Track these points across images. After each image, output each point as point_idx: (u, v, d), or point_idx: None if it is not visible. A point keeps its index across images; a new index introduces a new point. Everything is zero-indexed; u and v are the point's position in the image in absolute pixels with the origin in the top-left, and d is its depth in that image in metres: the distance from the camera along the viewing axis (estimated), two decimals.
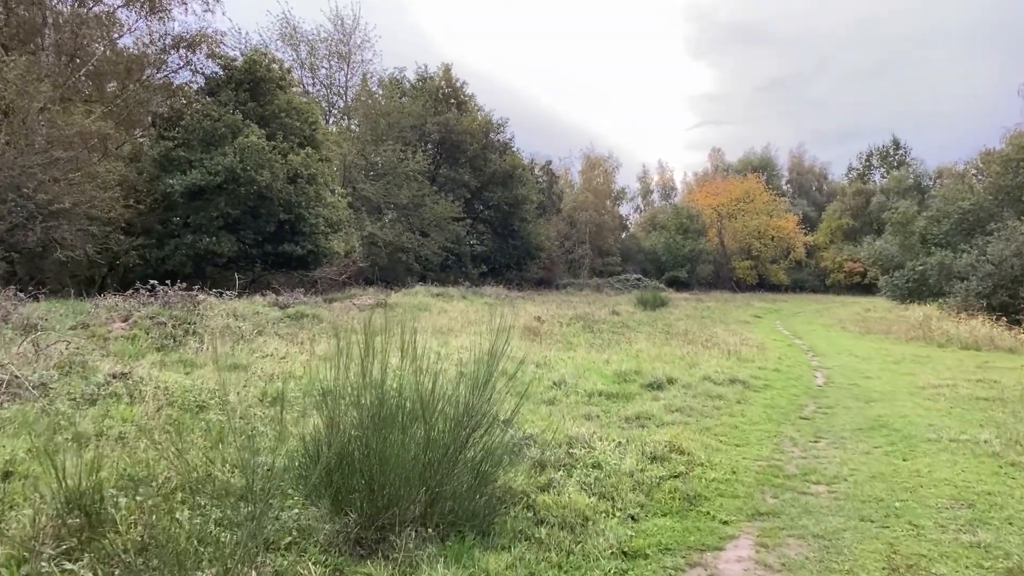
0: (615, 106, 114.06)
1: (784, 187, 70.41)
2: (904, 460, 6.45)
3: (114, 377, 8.01)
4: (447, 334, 14.74)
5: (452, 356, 11.49)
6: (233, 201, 22.47)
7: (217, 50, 25.11)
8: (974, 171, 35.97)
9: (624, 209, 64.54)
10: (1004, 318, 20.32)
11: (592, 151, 56.86)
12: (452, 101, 41.30)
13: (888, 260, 34.11)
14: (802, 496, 5.45)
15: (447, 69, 42.05)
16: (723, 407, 8.86)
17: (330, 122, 40.49)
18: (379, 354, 4.69)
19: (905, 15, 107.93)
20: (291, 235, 24.28)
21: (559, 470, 5.51)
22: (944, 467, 6.19)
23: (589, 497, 4.98)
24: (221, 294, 15.91)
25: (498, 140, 41.99)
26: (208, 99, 24.14)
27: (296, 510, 4.53)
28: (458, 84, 42.23)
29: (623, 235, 59.36)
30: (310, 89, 40.70)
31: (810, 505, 5.23)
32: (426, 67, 42.33)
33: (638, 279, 45.94)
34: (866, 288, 50.51)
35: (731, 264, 57.28)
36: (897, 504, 5.21)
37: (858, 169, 68.71)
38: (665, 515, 4.90)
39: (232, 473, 4.95)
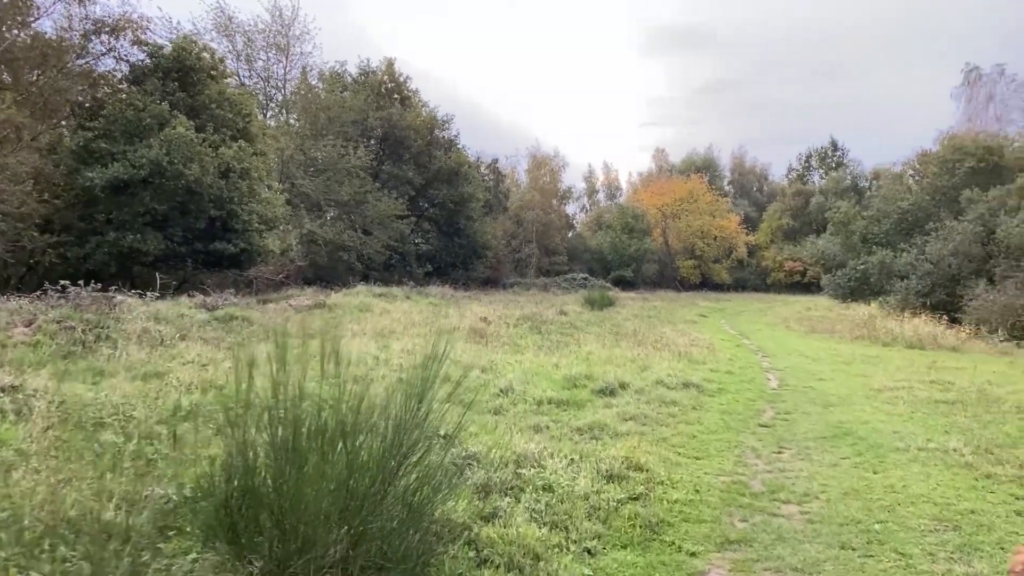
0: (560, 108, 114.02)
1: (726, 187, 71.18)
2: (875, 473, 6.03)
3: (2, 391, 7.08)
4: (388, 336, 13.99)
5: (392, 361, 10.80)
6: (160, 196, 21.13)
7: (143, 36, 23.64)
8: (911, 172, 36.73)
9: (571, 208, 64.27)
10: (945, 316, 20.58)
11: (538, 150, 56.46)
12: (395, 96, 40.23)
13: (830, 259, 34.56)
14: (773, 519, 4.94)
15: (390, 64, 40.97)
16: (679, 414, 8.37)
17: (268, 116, 38.91)
18: (298, 362, 3.97)
19: (843, 22, 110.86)
20: (223, 232, 23.00)
21: (506, 495, 4.88)
22: (918, 481, 5.77)
23: (540, 528, 4.36)
24: (143, 295, 14.79)
25: (443, 137, 41.06)
26: (133, 88, 22.69)
27: (192, 555, 3.80)
28: (401, 79, 41.18)
29: (570, 234, 59.04)
30: (246, 81, 38.98)
31: (783, 530, 4.71)
32: (368, 61, 41.18)
33: (585, 278, 45.66)
34: (805, 287, 51.41)
35: (675, 263, 57.63)
36: (877, 527, 4.74)
37: (797, 170, 70.03)
38: (625, 547, 4.33)
39: (119, 510, 4.20)
